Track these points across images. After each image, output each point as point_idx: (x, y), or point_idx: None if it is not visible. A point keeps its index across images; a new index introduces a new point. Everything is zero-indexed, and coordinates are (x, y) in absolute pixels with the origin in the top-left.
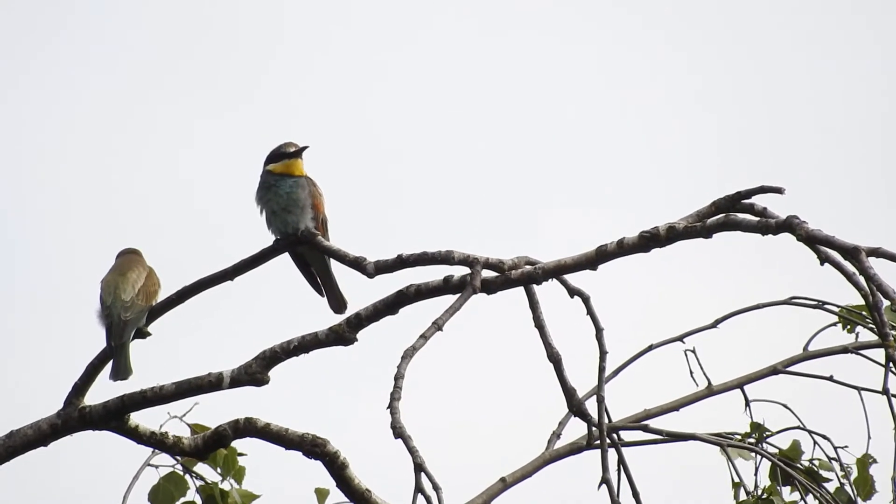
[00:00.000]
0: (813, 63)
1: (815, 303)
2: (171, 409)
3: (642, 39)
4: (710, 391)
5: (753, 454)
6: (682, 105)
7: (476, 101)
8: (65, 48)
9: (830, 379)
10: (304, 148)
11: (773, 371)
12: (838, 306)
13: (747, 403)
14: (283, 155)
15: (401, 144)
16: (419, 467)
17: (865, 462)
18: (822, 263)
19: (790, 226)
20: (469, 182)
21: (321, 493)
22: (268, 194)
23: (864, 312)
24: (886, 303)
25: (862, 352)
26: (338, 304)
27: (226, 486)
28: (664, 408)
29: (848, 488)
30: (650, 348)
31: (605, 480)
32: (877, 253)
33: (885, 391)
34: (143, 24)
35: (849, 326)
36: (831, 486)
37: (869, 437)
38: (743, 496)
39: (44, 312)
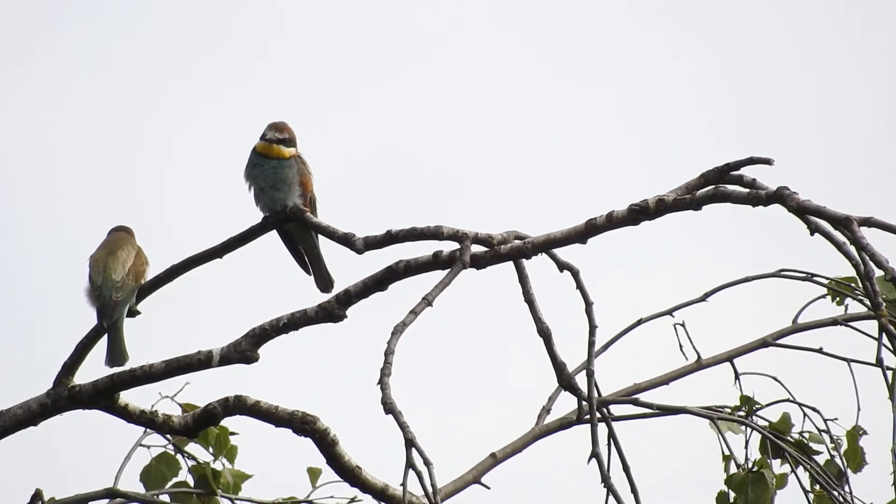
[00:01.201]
0: (803, 40)
1: (805, 275)
2: (161, 388)
3: (636, 22)
4: (700, 364)
5: (743, 427)
6: (673, 85)
7: (470, 81)
8: (63, 34)
9: (820, 351)
10: (284, 139)
11: (763, 344)
12: (827, 278)
13: (737, 376)
14: (262, 137)
15: (395, 125)
16: (410, 443)
17: (855, 434)
18: (812, 234)
19: (781, 197)
20: (460, 160)
21: (313, 473)
22: (255, 171)
23: (853, 284)
24: (879, 272)
25: (851, 324)
26: (324, 282)
27: (218, 465)
28: (654, 382)
29: (838, 460)
30: (639, 322)
31: (594, 454)
32: (868, 222)
33: (879, 362)
34: (141, 8)
35: (838, 298)
36: (821, 459)
37: (859, 409)
38: (733, 469)
39: (33, 291)
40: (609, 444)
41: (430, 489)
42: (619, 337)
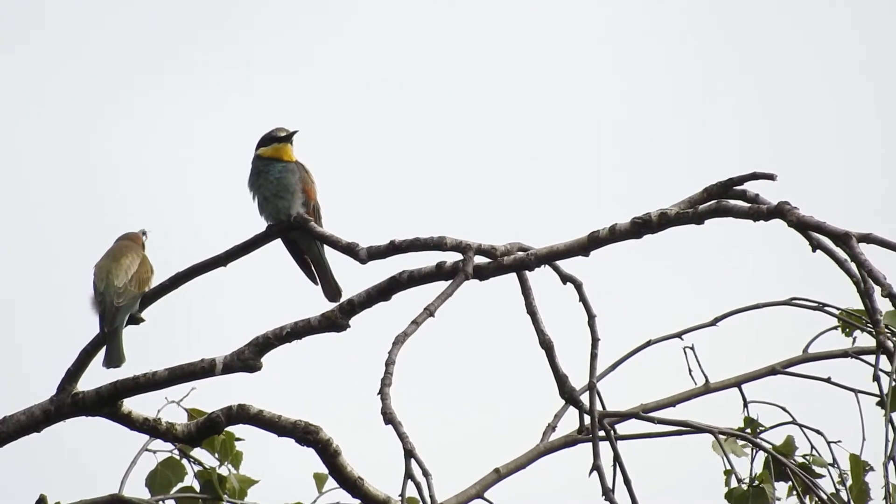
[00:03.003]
0: (805, 53)
1: (816, 304)
2: (168, 395)
3: (641, 29)
4: (708, 388)
5: (746, 446)
6: (678, 97)
7: (474, 90)
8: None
9: (828, 381)
10: (294, 133)
11: (772, 371)
12: (838, 308)
13: (745, 403)
14: (273, 139)
15: (399, 134)
16: (409, 453)
17: (860, 468)
18: (813, 250)
19: (781, 212)
20: (464, 170)
21: (319, 479)
22: (259, 180)
23: (863, 317)
24: (878, 289)
25: (861, 357)
26: (332, 291)
27: (224, 471)
28: (660, 403)
29: (844, 494)
30: (648, 344)
31: (595, 467)
32: (868, 239)
33: (876, 378)
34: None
35: (847, 330)
36: (823, 483)
37: (864, 440)
38: (734, 483)
39: (36, 298)
40: (614, 466)
41: (428, 500)
42: (627, 358)
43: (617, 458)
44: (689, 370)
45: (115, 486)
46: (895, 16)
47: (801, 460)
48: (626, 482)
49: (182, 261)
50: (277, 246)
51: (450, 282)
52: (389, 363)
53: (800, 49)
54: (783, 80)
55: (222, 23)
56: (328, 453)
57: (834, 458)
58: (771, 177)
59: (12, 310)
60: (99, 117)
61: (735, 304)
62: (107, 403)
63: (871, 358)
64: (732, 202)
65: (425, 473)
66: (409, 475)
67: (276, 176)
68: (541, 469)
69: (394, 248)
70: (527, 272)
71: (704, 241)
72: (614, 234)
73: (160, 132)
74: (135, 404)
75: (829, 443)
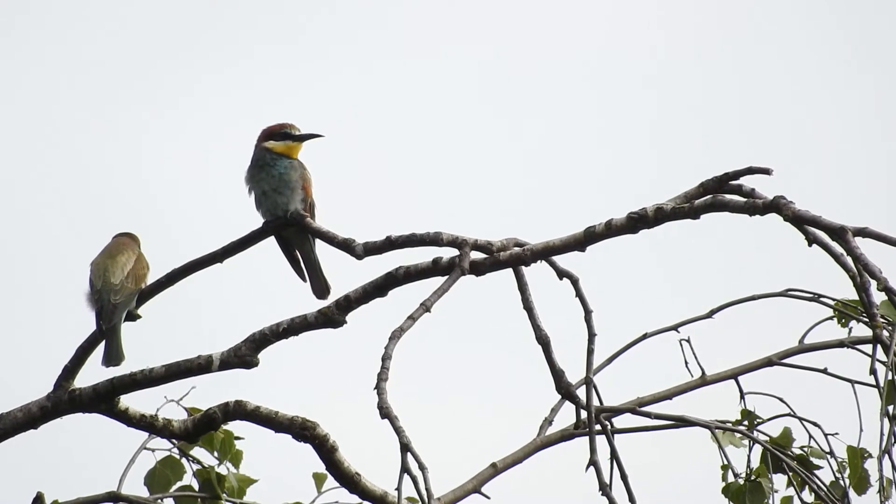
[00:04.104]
0: (801, 47)
1: (811, 296)
2: (167, 393)
3: (639, 24)
4: (704, 381)
5: (745, 441)
6: (672, 92)
7: (472, 85)
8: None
9: (825, 371)
10: (316, 137)
11: (768, 363)
12: (834, 299)
13: (742, 395)
14: (288, 136)
15: (394, 129)
16: (405, 447)
17: (858, 458)
18: (809, 245)
19: (777, 206)
20: (461, 165)
21: (318, 478)
22: (260, 174)
23: (859, 307)
24: (874, 283)
25: (857, 346)
26: (321, 289)
27: (222, 470)
28: (657, 396)
29: (842, 483)
30: (645, 336)
31: (592, 462)
32: (863, 233)
33: (873, 371)
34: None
35: (843, 320)
36: (822, 474)
37: (861, 430)
38: (731, 478)
39: (33, 295)
40: (611, 460)
41: (424, 494)
42: (624, 351)
43: (614, 453)
44: (686, 363)
45: (113, 484)
46: (892, 11)
47: (798, 452)
48: (623, 477)
49: (179, 257)
50: (274, 242)
51: (446, 277)
52: (386, 358)
53: (796, 43)
54: (779, 74)
55: (219, 20)
56: (325, 449)
57: (831, 449)
58: (767, 171)
59: (9, 307)
60: (96, 115)
61: (731, 297)
62: (104, 400)
63: (868, 348)
64: (728, 197)
65: (421, 467)
66: (405, 469)
67: (279, 171)
68: (538, 463)
69: (390, 244)
70: (523, 267)
71: (701, 236)
72: (610, 230)
73: (156, 130)
74: (132, 401)
75: (826, 435)
